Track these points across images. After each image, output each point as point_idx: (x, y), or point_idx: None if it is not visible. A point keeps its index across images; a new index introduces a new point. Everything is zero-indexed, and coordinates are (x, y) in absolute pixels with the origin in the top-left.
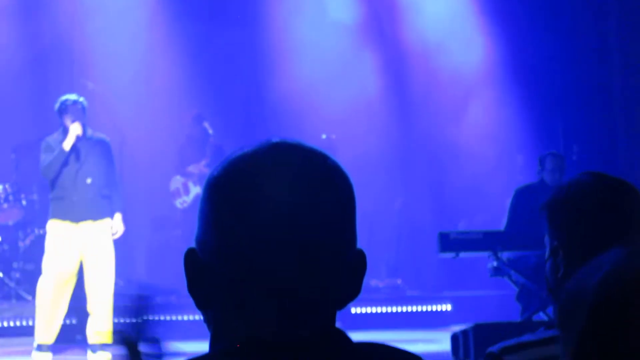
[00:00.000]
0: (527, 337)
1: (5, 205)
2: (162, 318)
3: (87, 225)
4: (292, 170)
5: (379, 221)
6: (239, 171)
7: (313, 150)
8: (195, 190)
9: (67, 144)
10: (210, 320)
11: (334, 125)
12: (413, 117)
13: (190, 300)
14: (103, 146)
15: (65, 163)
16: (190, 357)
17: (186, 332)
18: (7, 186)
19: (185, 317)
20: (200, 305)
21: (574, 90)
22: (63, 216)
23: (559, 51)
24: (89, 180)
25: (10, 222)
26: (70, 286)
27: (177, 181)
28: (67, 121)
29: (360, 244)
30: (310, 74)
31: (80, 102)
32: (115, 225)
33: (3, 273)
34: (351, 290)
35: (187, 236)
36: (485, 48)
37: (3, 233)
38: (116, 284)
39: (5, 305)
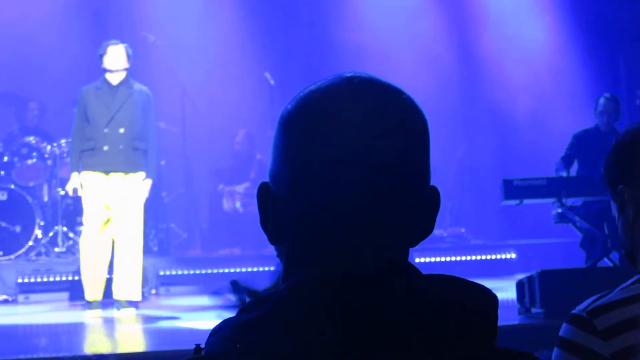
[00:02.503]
0: (616, 296)
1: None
2: (226, 270)
3: (118, 177)
4: (366, 102)
5: (441, 169)
6: (311, 103)
7: (387, 84)
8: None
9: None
10: (283, 254)
11: (396, 74)
12: (474, 64)
13: (253, 252)
14: (142, 97)
15: (98, 111)
16: (266, 293)
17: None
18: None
19: (250, 269)
20: (274, 240)
21: (637, 33)
22: (94, 167)
23: None
24: (122, 130)
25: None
26: (109, 239)
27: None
28: (106, 62)
29: None
30: (374, 24)
31: (124, 46)
32: (143, 189)
33: (67, 227)
34: (425, 226)
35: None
36: None
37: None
38: (179, 236)
39: (70, 258)
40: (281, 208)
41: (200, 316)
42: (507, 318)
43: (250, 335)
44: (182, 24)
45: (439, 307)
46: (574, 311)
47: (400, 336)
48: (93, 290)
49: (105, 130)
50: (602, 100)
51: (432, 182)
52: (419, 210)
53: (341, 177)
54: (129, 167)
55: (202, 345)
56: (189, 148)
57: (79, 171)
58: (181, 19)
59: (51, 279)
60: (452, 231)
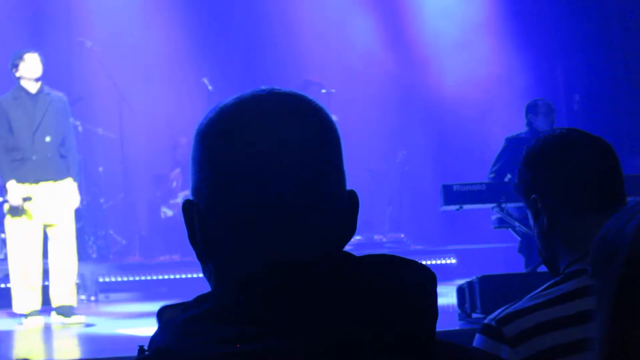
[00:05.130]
0: (525, 303)
1: None
2: (166, 277)
3: (48, 186)
4: (276, 106)
5: (381, 175)
6: (223, 113)
7: (294, 92)
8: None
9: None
10: (212, 270)
11: (334, 80)
12: (413, 69)
13: (192, 259)
14: (61, 104)
15: (21, 121)
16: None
17: (189, 290)
18: None
19: (189, 275)
20: (202, 255)
21: (575, 38)
22: (22, 179)
23: (560, 0)
24: (47, 139)
25: None
26: (39, 248)
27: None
28: (24, 70)
29: (363, 198)
30: (311, 29)
31: (38, 53)
32: (72, 194)
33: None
34: (347, 228)
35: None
36: None
37: None
38: (118, 242)
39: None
40: (206, 220)
41: (140, 323)
42: (447, 323)
43: (198, 327)
44: (119, 30)
45: (377, 287)
46: (485, 320)
47: (340, 318)
48: (31, 302)
49: (32, 140)
50: (544, 106)
51: (372, 187)
52: (340, 212)
53: (258, 181)
54: (57, 175)
55: (145, 347)
56: (127, 154)
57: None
58: (118, 25)
59: None
60: (392, 236)
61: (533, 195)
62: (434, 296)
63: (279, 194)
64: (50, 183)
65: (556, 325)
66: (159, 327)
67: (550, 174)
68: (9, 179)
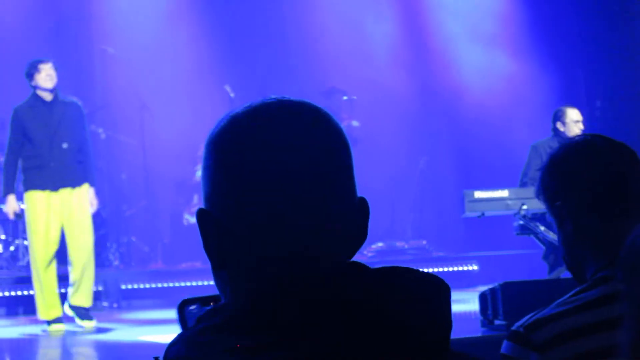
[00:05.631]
0: (553, 309)
1: None
2: (188, 284)
3: (66, 192)
4: (288, 116)
5: (403, 182)
6: (236, 122)
7: (304, 102)
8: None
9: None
10: (227, 280)
11: (356, 87)
12: (434, 76)
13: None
14: (75, 109)
15: (38, 129)
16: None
17: None
18: None
19: (212, 282)
20: (217, 265)
21: (596, 44)
22: (42, 186)
23: (581, 5)
24: (65, 145)
25: None
26: (55, 254)
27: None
28: (40, 80)
29: (385, 205)
30: (334, 36)
31: (52, 62)
32: (91, 199)
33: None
34: (359, 234)
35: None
36: (507, 1)
37: None
38: (140, 249)
39: None
40: (219, 227)
41: (162, 329)
42: (470, 330)
43: (214, 337)
44: (142, 37)
45: (390, 299)
46: (512, 327)
47: (353, 329)
48: (53, 309)
49: (50, 147)
50: (573, 112)
51: (394, 193)
52: (350, 219)
53: (269, 189)
54: (75, 181)
55: (161, 358)
56: (149, 161)
57: (15, 192)
58: (140, 32)
59: (12, 293)
60: (414, 243)
61: (557, 202)
62: (445, 307)
63: (290, 201)
64: (68, 189)
65: (585, 331)
66: (175, 338)
67: (575, 180)
68: (10, 192)
